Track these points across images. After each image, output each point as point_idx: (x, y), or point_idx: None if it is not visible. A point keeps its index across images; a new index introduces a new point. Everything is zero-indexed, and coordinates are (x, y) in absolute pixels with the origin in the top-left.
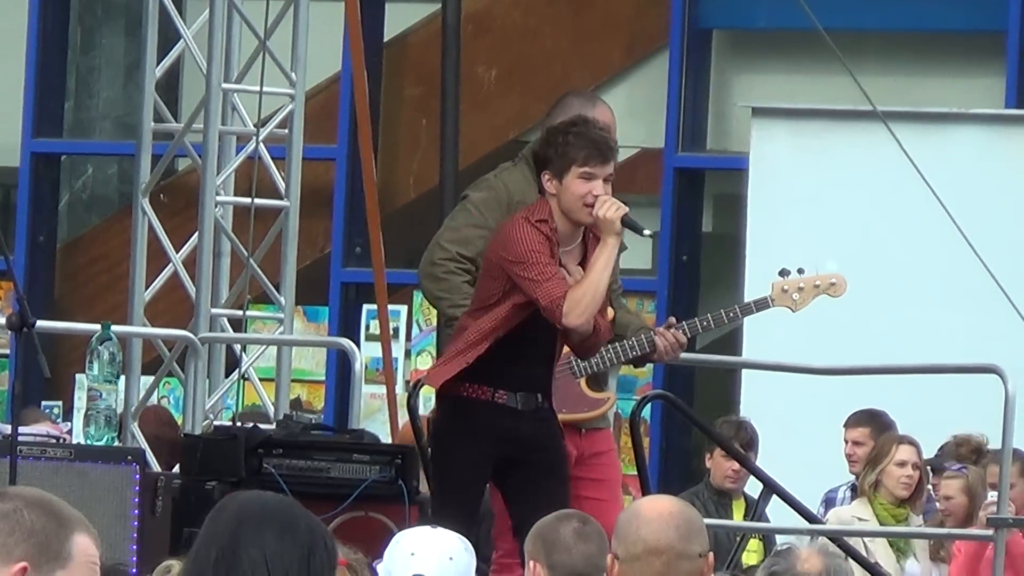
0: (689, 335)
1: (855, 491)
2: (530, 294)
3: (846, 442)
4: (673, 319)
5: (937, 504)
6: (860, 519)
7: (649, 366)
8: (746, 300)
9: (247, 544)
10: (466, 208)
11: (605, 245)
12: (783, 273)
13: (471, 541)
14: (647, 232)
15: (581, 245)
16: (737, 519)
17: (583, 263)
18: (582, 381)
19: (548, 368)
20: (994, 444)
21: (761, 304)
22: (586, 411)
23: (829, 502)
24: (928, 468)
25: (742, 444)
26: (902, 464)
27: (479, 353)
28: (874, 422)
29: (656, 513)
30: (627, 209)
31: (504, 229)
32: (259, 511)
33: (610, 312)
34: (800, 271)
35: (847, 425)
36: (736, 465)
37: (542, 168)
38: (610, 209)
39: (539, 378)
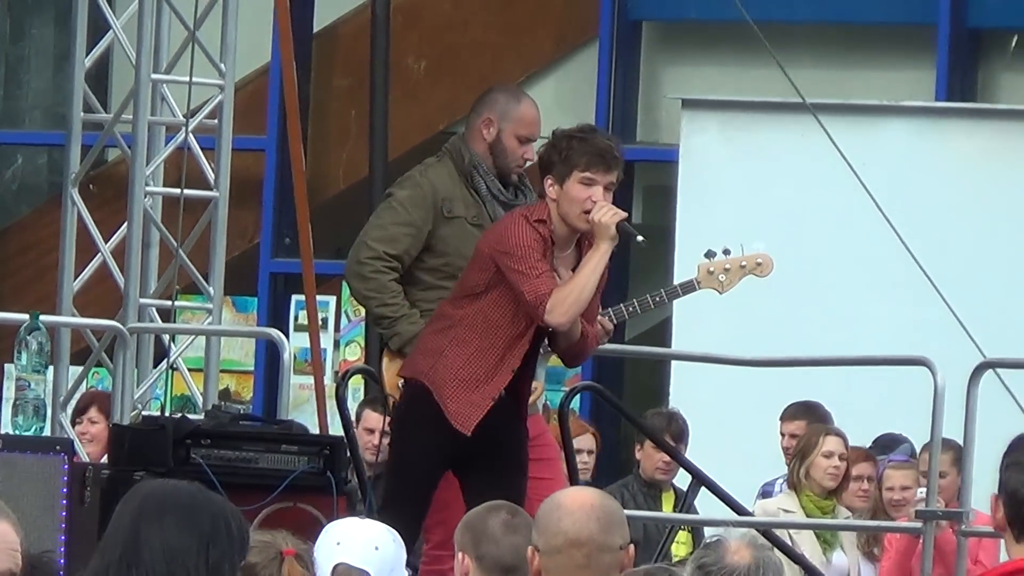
0: (615, 322)
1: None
2: (516, 286)
3: (782, 435)
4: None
5: (886, 494)
6: (786, 511)
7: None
8: (672, 284)
9: (148, 536)
10: (391, 206)
11: (597, 249)
12: (709, 255)
13: (419, 527)
14: (640, 239)
15: (576, 251)
16: (667, 511)
17: (575, 270)
18: None
19: (524, 370)
20: (923, 435)
21: (687, 287)
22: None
23: (766, 494)
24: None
25: (672, 436)
26: (829, 455)
27: (501, 388)
28: (811, 414)
29: (577, 505)
30: (624, 215)
31: (500, 223)
32: (160, 502)
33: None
34: (726, 252)
35: (783, 418)
36: (666, 457)
37: (545, 172)
38: (607, 214)
39: (513, 385)
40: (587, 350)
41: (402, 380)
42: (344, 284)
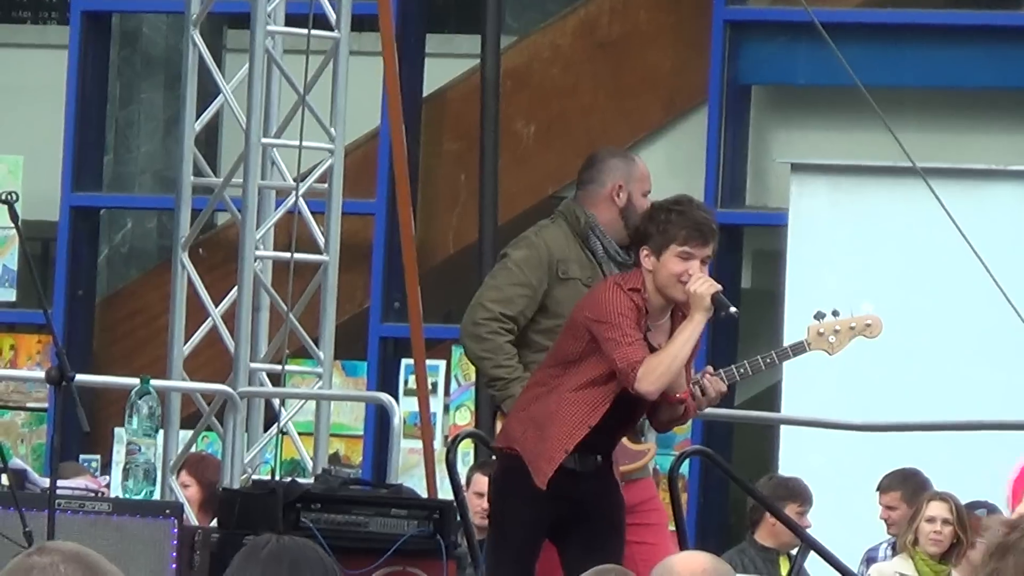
0: (727, 383)
1: (895, 549)
2: (609, 354)
3: (881, 506)
4: (710, 367)
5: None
6: (902, 574)
7: (688, 422)
8: (782, 346)
9: None
10: (507, 267)
11: (691, 319)
12: (818, 316)
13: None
14: (733, 310)
15: (669, 322)
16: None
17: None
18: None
19: (617, 437)
20: None
21: (798, 348)
22: (627, 463)
23: (870, 560)
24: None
25: (798, 500)
26: (931, 520)
27: (576, 441)
28: (906, 484)
29: (689, 570)
30: (719, 287)
31: (595, 290)
32: (289, 556)
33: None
34: (835, 313)
35: (880, 489)
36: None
37: (641, 243)
38: (702, 285)
39: (606, 444)
40: (684, 421)
41: (497, 449)
42: (453, 348)
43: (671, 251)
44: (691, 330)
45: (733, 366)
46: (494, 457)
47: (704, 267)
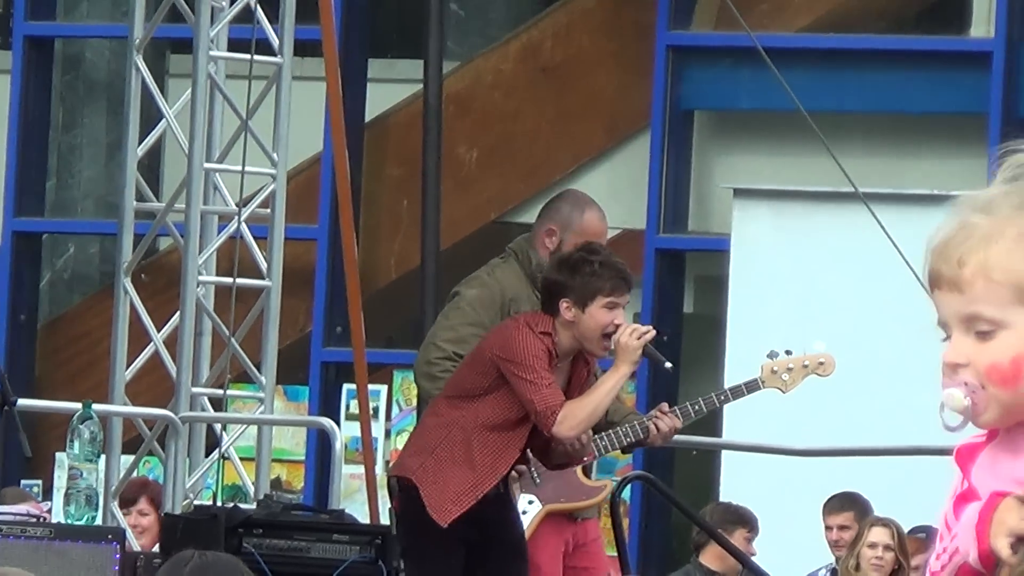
0: (681, 420)
1: (834, 574)
2: (524, 395)
3: (829, 528)
4: (665, 405)
5: None
6: None
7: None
8: (736, 383)
9: None
10: (459, 306)
11: (617, 370)
12: (771, 355)
13: None
14: (668, 366)
15: (568, 365)
16: None
17: (569, 383)
18: (578, 469)
19: (518, 463)
20: None
21: (752, 386)
22: (584, 499)
23: None
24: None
25: (744, 526)
26: (873, 546)
27: (486, 489)
28: (856, 505)
29: None
30: (651, 335)
31: (504, 329)
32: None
33: None
34: (788, 352)
35: (828, 511)
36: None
37: (560, 295)
38: (632, 336)
39: (507, 473)
40: (570, 466)
41: (394, 479)
42: (395, 373)
43: (597, 302)
44: (615, 380)
45: (688, 403)
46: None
47: (624, 315)
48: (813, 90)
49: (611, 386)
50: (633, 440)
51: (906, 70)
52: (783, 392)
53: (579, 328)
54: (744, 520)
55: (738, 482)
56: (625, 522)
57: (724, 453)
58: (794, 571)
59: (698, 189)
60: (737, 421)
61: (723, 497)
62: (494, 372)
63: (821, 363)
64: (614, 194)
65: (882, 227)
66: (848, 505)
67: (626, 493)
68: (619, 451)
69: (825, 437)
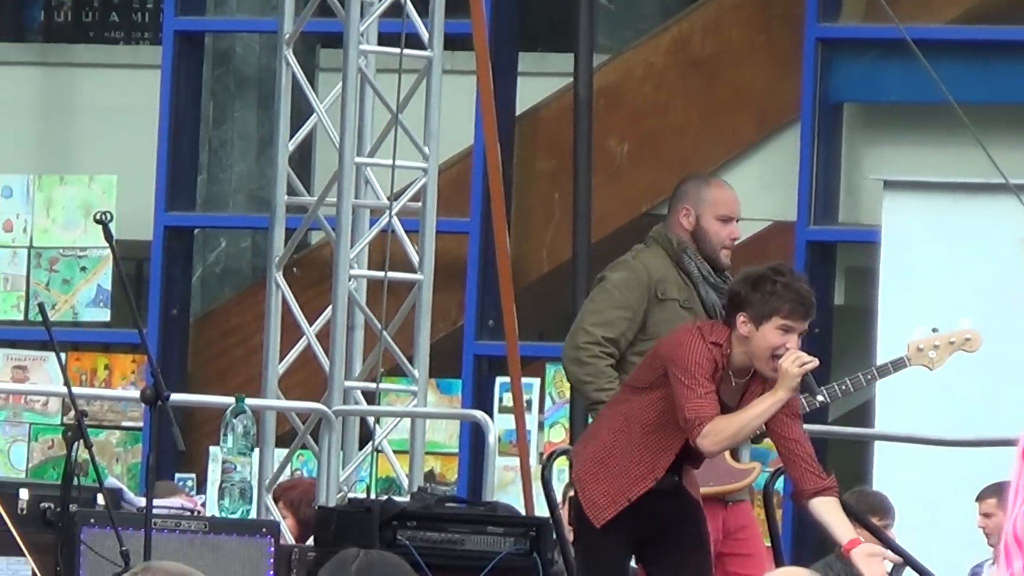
0: (828, 400)
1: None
2: (678, 399)
3: (980, 515)
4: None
5: None
6: None
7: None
8: (883, 361)
9: None
10: (605, 289)
11: (774, 394)
12: (918, 334)
13: None
14: (820, 399)
15: (746, 383)
16: None
17: (742, 399)
18: (726, 453)
19: (694, 453)
20: None
21: (898, 364)
22: (732, 482)
23: None
24: None
25: (877, 515)
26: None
27: (640, 492)
28: (1001, 493)
29: None
30: (814, 365)
31: (679, 331)
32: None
33: None
34: (934, 330)
35: (978, 499)
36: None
37: (739, 308)
38: (795, 363)
39: (681, 462)
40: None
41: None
42: (548, 366)
43: (772, 323)
44: (770, 404)
45: (834, 383)
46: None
47: (798, 342)
48: (962, 81)
49: (764, 409)
50: (760, 430)
51: None
52: (930, 369)
53: (751, 345)
54: (876, 508)
55: (891, 472)
56: (778, 513)
57: (877, 443)
58: (952, 563)
59: (848, 181)
60: (889, 411)
61: (876, 487)
62: (661, 370)
63: (968, 339)
64: (764, 186)
65: None
66: (992, 492)
67: (779, 484)
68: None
69: (977, 428)
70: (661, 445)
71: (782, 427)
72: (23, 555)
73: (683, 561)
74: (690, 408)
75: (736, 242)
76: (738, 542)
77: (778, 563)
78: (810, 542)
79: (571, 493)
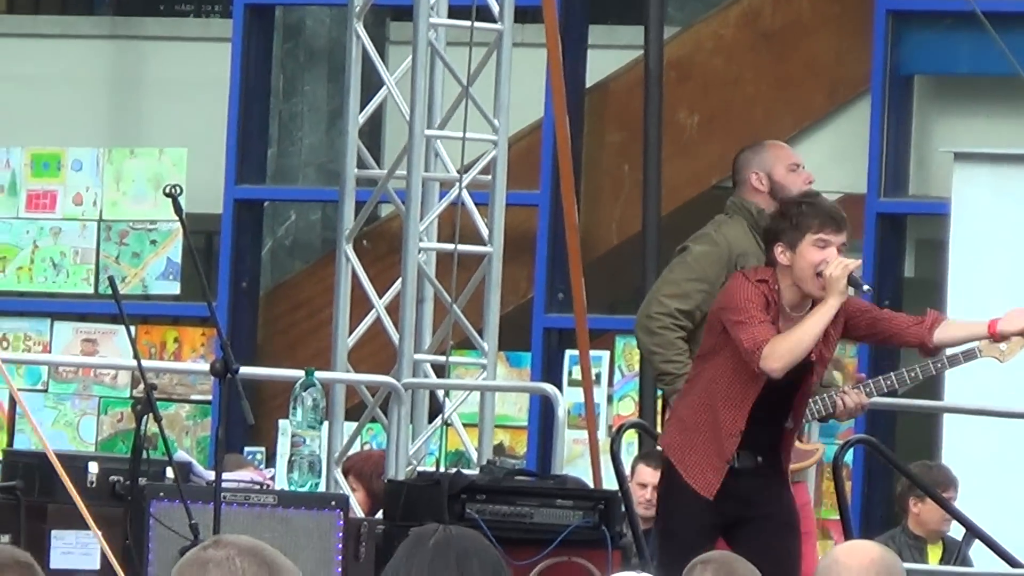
0: (875, 394)
1: None
2: (736, 336)
3: None
4: (863, 375)
5: None
6: None
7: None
8: (954, 351)
9: None
10: (685, 261)
11: (825, 303)
12: None
13: None
14: (867, 288)
15: (806, 316)
16: (932, 563)
17: None
18: None
19: (776, 429)
20: None
21: (969, 355)
22: (795, 462)
23: None
24: None
25: (940, 487)
26: None
27: (731, 452)
28: None
29: (856, 561)
30: (856, 264)
31: (726, 285)
32: (458, 546)
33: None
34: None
35: None
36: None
37: (774, 241)
38: (838, 267)
39: (763, 438)
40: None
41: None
42: (617, 339)
43: (807, 241)
44: (823, 312)
45: (905, 369)
46: (658, 447)
47: (840, 255)
48: None
49: (817, 319)
50: (823, 414)
51: None
52: (1000, 362)
53: (795, 272)
54: (939, 481)
55: (960, 446)
56: (848, 485)
57: (946, 416)
58: (1016, 535)
59: (918, 153)
60: (959, 384)
61: (945, 461)
62: (719, 327)
63: None
64: (835, 158)
65: None
66: None
67: (848, 457)
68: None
69: None
70: (741, 395)
71: (869, 324)
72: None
73: (768, 542)
74: (747, 338)
75: (811, 184)
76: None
77: (847, 536)
78: (877, 515)
79: (651, 463)
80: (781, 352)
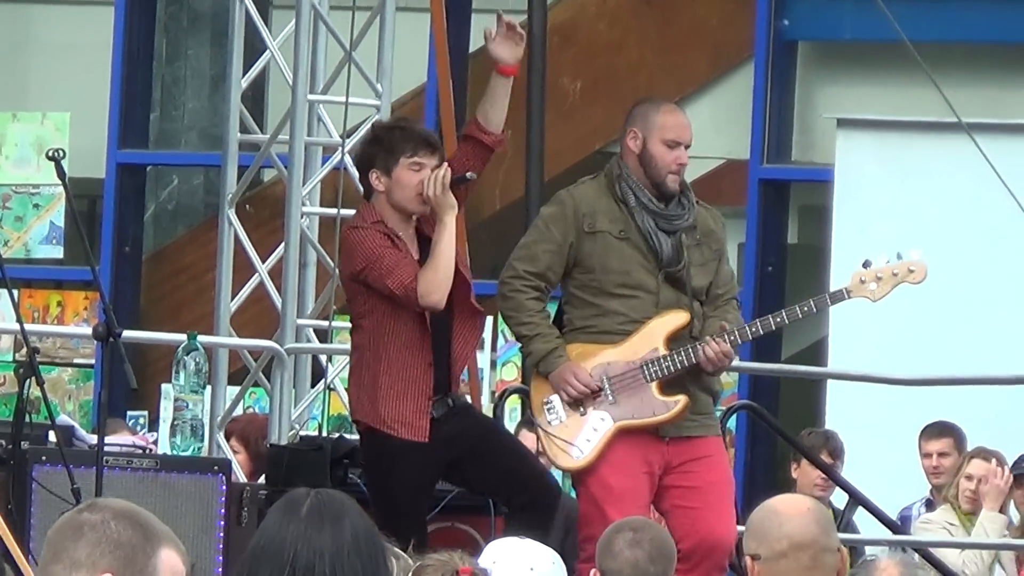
0: (739, 342)
1: (928, 506)
2: (384, 286)
3: (927, 455)
4: (725, 324)
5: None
6: (951, 524)
7: (734, 376)
8: (821, 294)
9: (320, 544)
10: (536, 225)
11: (443, 224)
12: (865, 264)
13: (424, 536)
14: (469, 175)
15: (415, 237)
16: None
17: (423, 250)
18: (653, 385)
19: (448, 365)
20: None
21: (837, 296)
22: (652, 415)
23: (904, 520)
24: (1012, 477)
25: (829, 454)
26: (969, 477)
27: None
28: (953, 433)
29: (795, 510)
30: (445, 170)
31: (343, 246)
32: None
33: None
34: (866, 264)
35: (926, 438)
36: (822, 475)
37: (368, 167)
38: (437, 185)
39: (442, 379)
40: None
41: (355, 424)
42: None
43: (402, 165)
44: (448, 235)
45: (770, 316)
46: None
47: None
48: (916, 20)
49: (447, 240)
50: (686, 365)
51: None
52: (872, 301)
53: (392, 196)
54: (830, 448)
55: (843, 412)
56: (731, 452)
57: (830, 383)
58: (898, 502)
59: (802, 119)
60: (843, 351)
61: (828, 426)
62: (361, 289)
63: (911, 271)
64: (717, 125)
65: (985, 157)
66: (947, 432)
67: (731, 423)
68: (684, 372)
69: (929, 366)
70: (415, 338)
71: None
72: None
73: (485, 461)
74: (395, 283)
75: (684, 167)
76: (683, 475)
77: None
78: (762, 481)
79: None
80: (434, 284)
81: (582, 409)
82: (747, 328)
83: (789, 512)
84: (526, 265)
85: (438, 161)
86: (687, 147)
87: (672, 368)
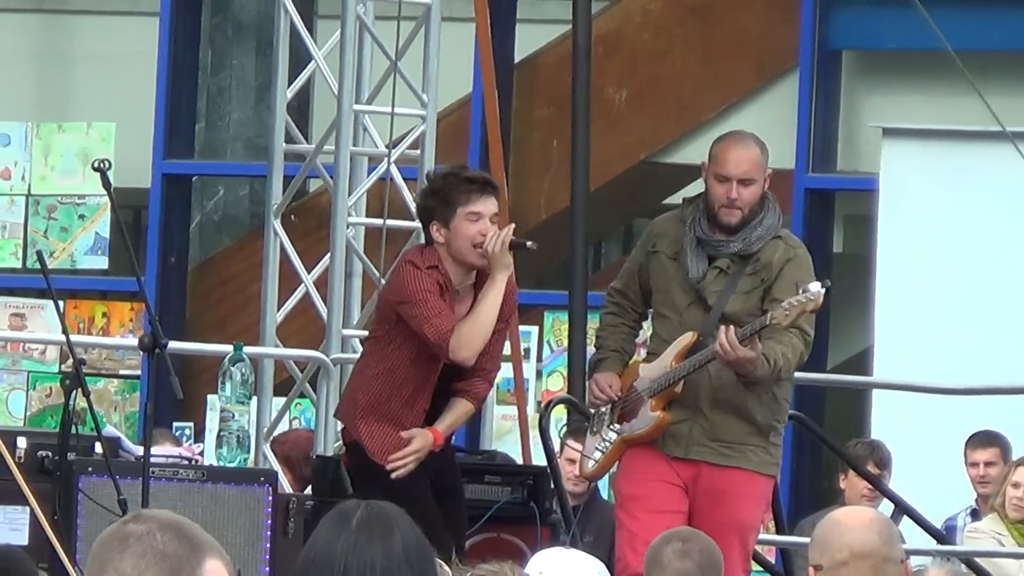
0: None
1: (974, 516)
2: (419, 330)
3: (974, 464)
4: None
5: None
6: (999, 533)
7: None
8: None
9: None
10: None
11: (493, 281)
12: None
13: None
14: (530, 244)
15: (472, 289)
16: None
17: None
18: (650, 401)
19: (436, 404)
20: None
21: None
22: (637, 429)
23: (949, 530)
24: None
25: (876, 465)
26: (1016, 486)
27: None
28: (999, 442)
29: (858, 520)
30: (509, 230)
31: (395, 274)
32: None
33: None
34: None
35: (972, 447)
36: (869, 485)
37: (429, 219)
38: (496, 242)
39: (433, 415)
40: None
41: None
42: (546, 314)
43: (459, 216)
44: (495, 292)
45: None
46: (586, 424)
47: (494, 225)
48: (960, 28)
49: (492, 299)
50: (682, 375)
51: None
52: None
53: (451, 247)
54: (877, 458)
55: (889, 421)
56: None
57: (875, 392)
58: (944, 511)
59: (846, 129)
60: (888, 360)
61: (874, 436)
62: (393, 317)
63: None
64: (763, 134)
65: None
66: (993, 442)
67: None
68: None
69: (975, 375)
70: (422, 379)
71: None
72: (20, 504)
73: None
74: (431, 331)
75: (735, 203)
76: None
77: (775, 511)
78: (809, 491)
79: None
80: (468, 339)
81: (607, 420)
82: (772, 356)
83: (851, 523)
84: (614, 282)
85: (495, 204)
86: (742, 182)
87: (664, 383)
